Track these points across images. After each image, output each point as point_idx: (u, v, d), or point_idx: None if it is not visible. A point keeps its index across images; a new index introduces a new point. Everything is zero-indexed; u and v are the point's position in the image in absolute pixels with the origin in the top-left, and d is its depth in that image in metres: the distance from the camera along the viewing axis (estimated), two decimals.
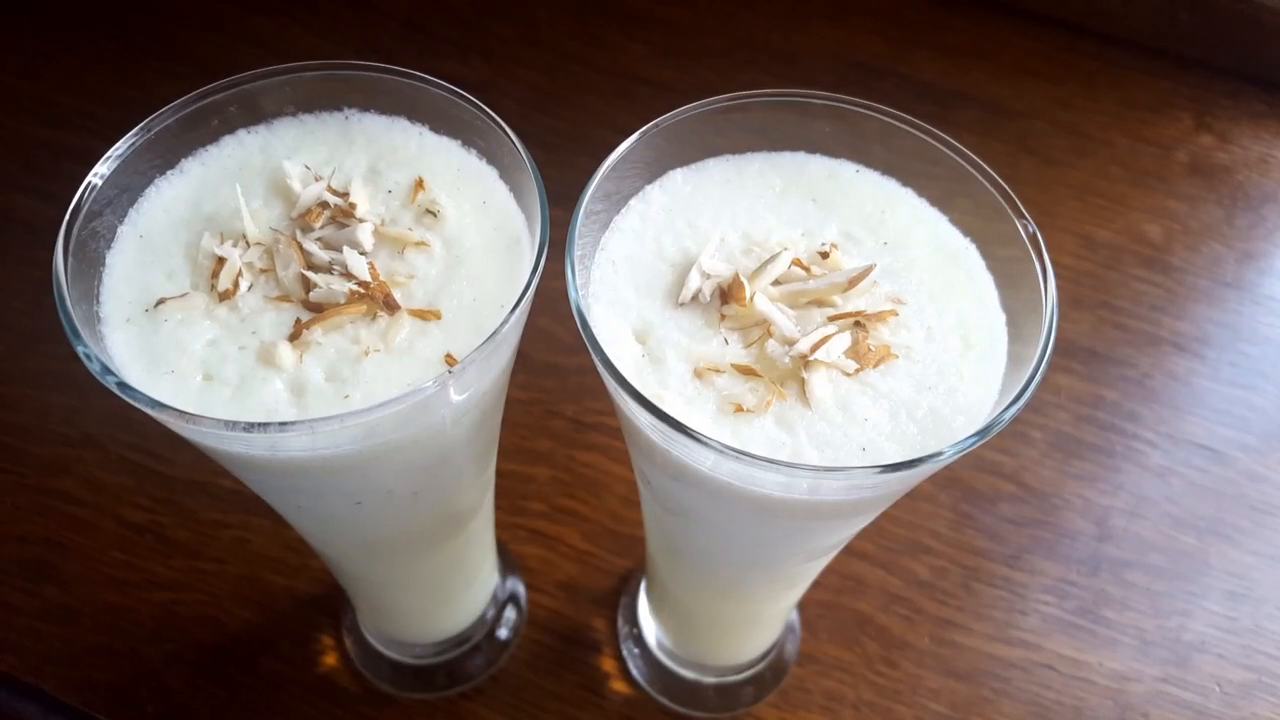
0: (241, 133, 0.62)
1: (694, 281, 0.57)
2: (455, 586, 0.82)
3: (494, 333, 0.52)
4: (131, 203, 0.59)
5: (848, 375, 0.54)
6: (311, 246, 0.57)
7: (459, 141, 0.62)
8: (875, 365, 0.55)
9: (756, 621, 0.81)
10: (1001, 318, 0.58)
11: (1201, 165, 1.23)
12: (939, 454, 0.49)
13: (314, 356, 0.54)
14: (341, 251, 0.56)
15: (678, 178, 0.62)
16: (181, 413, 0.48)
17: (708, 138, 0.61)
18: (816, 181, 0.62)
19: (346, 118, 0.62)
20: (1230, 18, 1.24)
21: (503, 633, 0.93)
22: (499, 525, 0.98)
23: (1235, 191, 1.22)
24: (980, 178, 0.58)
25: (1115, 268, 1.15)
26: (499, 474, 1.03)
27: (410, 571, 0.75)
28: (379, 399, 0.51)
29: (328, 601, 0.96)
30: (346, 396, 0.52)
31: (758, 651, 0.89)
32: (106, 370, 0.49)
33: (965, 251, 0.60)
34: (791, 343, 0.54)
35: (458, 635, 0.90)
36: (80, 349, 0.50)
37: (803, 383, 0.54)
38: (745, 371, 0.54)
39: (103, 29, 1.36)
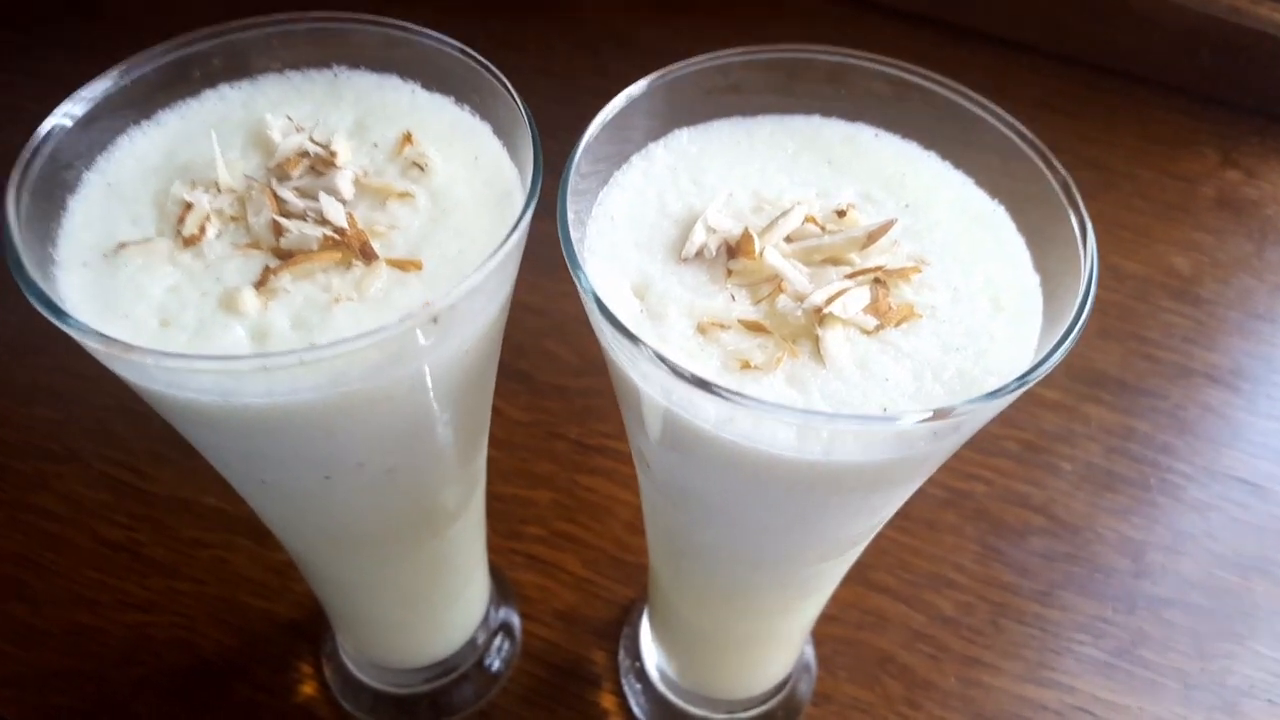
0: (224, 87, 0.58)
1: (699, 236, 0.52)
2: (439, 600, 0.75)
3: (482, 264, 0.46)
4: (101, 150, 0.55)
5: (867, 333, 0.49)
6: (287, 194, 0.52)
7: (452, 98, 0.58)
8: (897, 324, 0.49)
9: (767, 642, 0.74)
10: (1035, 279, 0.52)
11: (1229, 200, 1.19)
12: (979, 399, 0.43)
13: (280, 304, 0.49)
14: (318, 200, 0.52)
15: (683, 137, 0.57)
16: (126, 345, 0.43)
17: (716, 97, 0.57)
18: (832, 144, 0.57)
19: (335, 75, 0.58)
20: (1254, 57, 1.21)
21: (494, 664, 0.86)
22: (493, 550, 0.91)
23: (1265, 226, 1.17)
24: (1011, 134, 0.53)
25: (1144, 299, 1.10)
26: (496, 497, 0.97)
27: (388, 576, 0.69)
28: (358, 360, 0.46)
29: (308, 627, 0.89)
30: (320, 359, 0.47)
31: (768, 684, 0.81)
32: (44, 299, 0.44)
33: (994, 214, 0.55)
34: (805, 298, 0.49)
35: (444, 661, 0.83)
36: (19, 277, 0.45)
37: (816, 340, 0.48)
38: (753, 328, 0.49)
39: None
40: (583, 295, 0.47)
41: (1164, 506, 0.97)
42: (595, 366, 1.04)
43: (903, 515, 0.98)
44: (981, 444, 1.00)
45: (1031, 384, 0.45)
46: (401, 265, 0.50)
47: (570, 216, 0.50)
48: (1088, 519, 0.96)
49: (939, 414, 0.43)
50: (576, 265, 0.47)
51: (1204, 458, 1.00)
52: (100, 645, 0.87)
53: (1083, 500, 0.98)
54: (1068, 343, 0.45)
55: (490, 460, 0.99)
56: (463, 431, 0.59)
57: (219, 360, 0.44)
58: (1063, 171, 0.51)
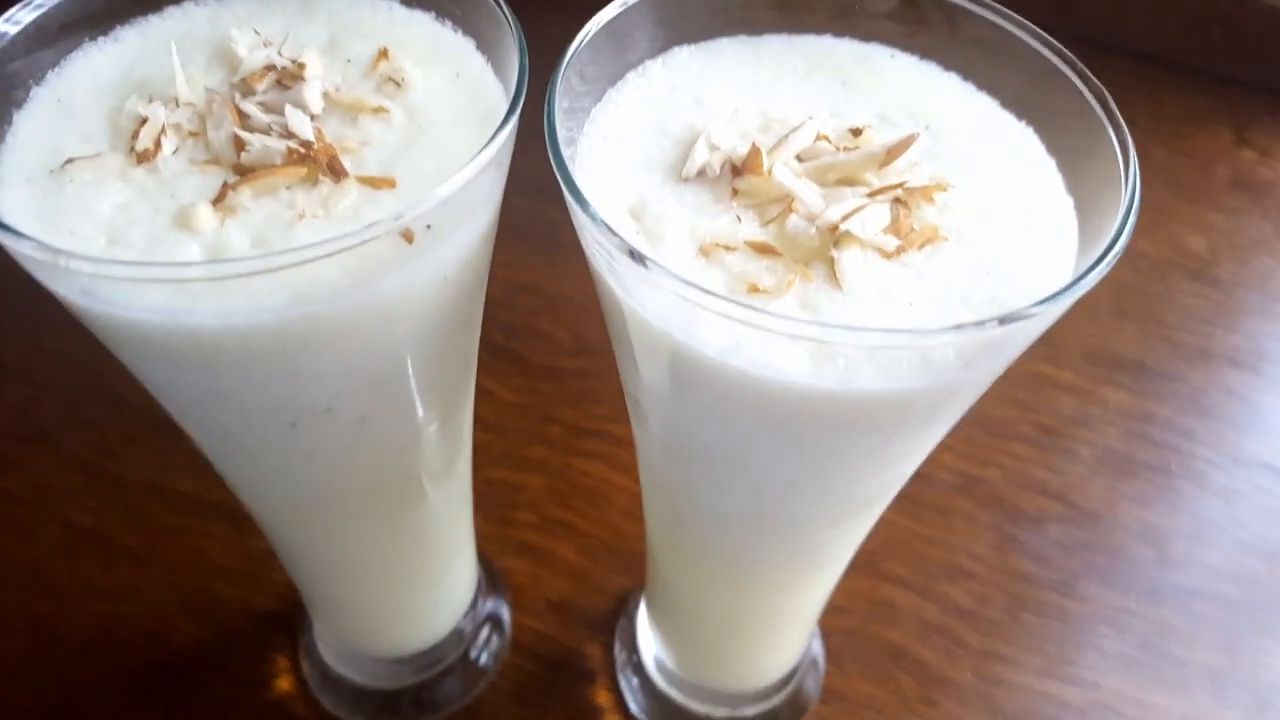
0: (189, 4, 0.53)
1: (700, 154, 0.47)
2: (420, 581, 0.69)
3: (460, 171, 0.41)
4: (53, 67, 0.50)
5: (887, 256, 0.44)
6: (250, 108, 0.47)
7: (432, 13, 0.53)
8: (920, 247, 0.44)
9: (772, 626, 0.68)
10: (1069, 201, 0.47)
11: (1244, 180, 1.14)
12: (1021, 313, 0.38)
13: (239, 221, 0.44)
14: (284, 114, 0.47)
15: (684, 54, 0.52)
16: (66, 253, 0.38)
17: (719, 13, 0.52)
18: (846, 65, 0.52)
19: None
20: (1266, 35, 1.17)
21: (481, 656, 0.80)
22: (483, 537, 0.86)
23: None
24: (1040, 47, 0.48)
25: (1161, 280, 1.05)
26: (485, 482, 0.92)
27: (365, 551, 0.63)
28: (322, 280, 0.41)
29: (286, 618, 0.83)
30: (280, 274, 0.42)
31: (773, 675, 0.76)
32: None
33: (1021, 135, 0.50)
34: (818, 216, 0.44)
35: (427, 652, 0.77)
36: None
37: (831, 262, 0.43)
38: (762, 249, 0.44)
39: None
40: (572, 211, 0.42)
41: (1187, 493, 0.92)
42: (591, 347, 0.99)
43: (913, 501, 0.93)
44: (995, 428, 0.95)
45: (1076, 297, 0.40)
46: (373, 183, 0.45)
47: (560, 134, 0.45)
48: (1108, 506, 0.91)
49: (983, 324, 0.37)
50: (565, 172, 0.42)
51: (1227, 443, 0.95)
52: (64, 637, 0.81)
53: (1102, 486, 0.92)
54: (1113, 253, 0.40)
55: (480, 444, 0.93)
56: (443, 382, 0.54)
57: (165, 268, 0.39)
58: (1098, 83, 0.47)
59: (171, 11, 0.53)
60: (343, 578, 0.67)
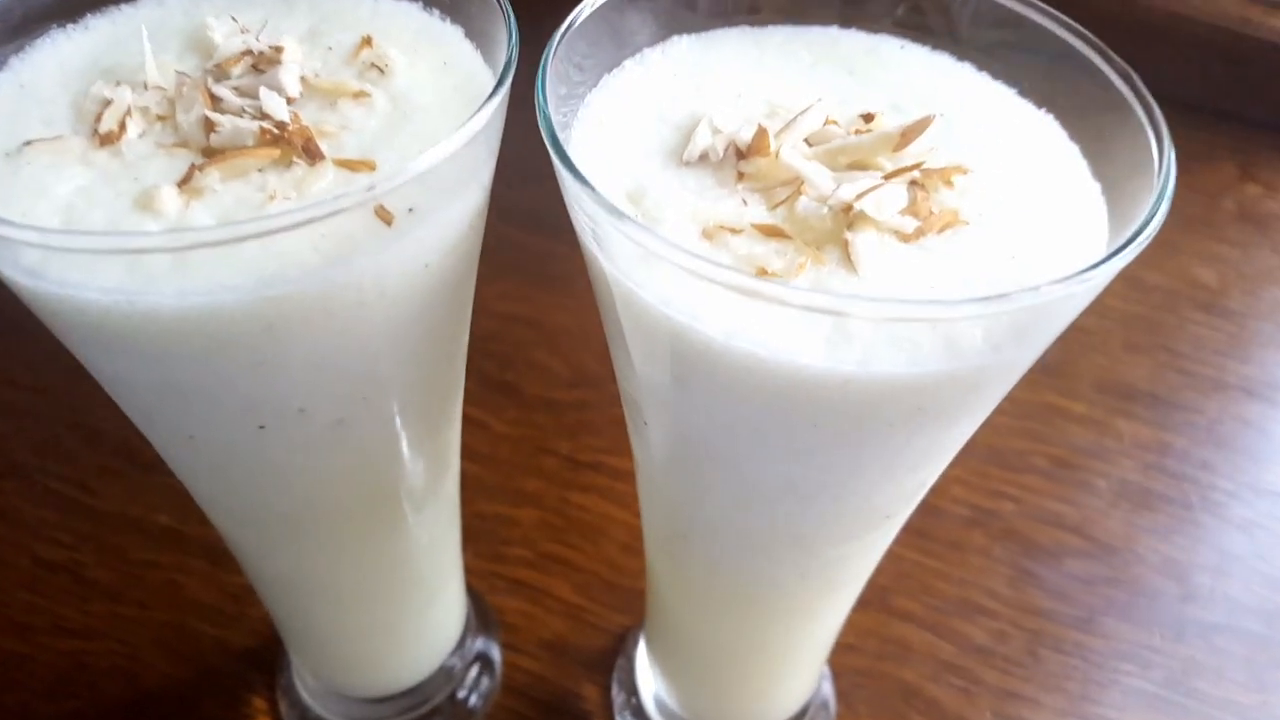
0: None
1: (703, 137, 0.43)
2: (403, 613, 0.65)
3: (444, 142, 0.38)
4: (17, 52, 0.47)
5: (905, 238, 0.40)
6: (223, 92, 0.44)
7: (419, 3, 0.50)
8: (940, 231, 0.41)
9: (780, 659, 0.63)
10: (1095, 187, 0.44)
11: (1251, 213, 1.11)
12: (1063, 283, 0.34)
13: (205, 204, 0.40)
14: (258, 98, 0.43)
15: (684, 44, 0.49)
16: (6, 222, 0.34)
17: (720, 1, 0.49)
18: (854, 56, 0.49)
19: None
20: (1266, 69, 1.15)
21: (470, 698, 0.75)
22: (474, 573, 0.81)
23: None
24: (1059, 30, 0.45)
25: (1171, 311, 1.02)
26: (477, 516, 0.87)
27: (344, 578, 0.59)
28: (290, 257, 0.38)
29: (264, 656, 0.78)
30: (240, 244, 0.38)
31: (781, 715, 0.70)
32: None
33: (1041, 122, 0.47)
34: (830, 197, 0.40)
35: (412, 691, 0.72)
36: None
37: (845, 245, 0.39)
38: (770, 232, 0.40)
39: None
40: (563, 185, 0.39)
41: (1207, 526, 0.88)
42: (588, 379, 0.96)
43: (924, 534, 0.88)
44: (1007, 459, 0.91)
45: (1116, 270, 0.36)
46: (351, 165, 0.42)
47: (554, 120, 0.42)
48: (1127, 539, 0.87)
49: (1018, 294, 0.34)
50: (554, 137, 0.38)
51: (1246, 474, 0.91)
52: (28, 675, 0.76)
53: (1120, 520, 0.88)
54: (1155, 222, 0.37)
55: (472, 477, 0.90)
56: (427, 387, 0.50)
57: (118, 237, 0.36)
58: (1121, 62, 0.44)
59: (146, 1, 0.50)
60: (321, 607, 0.62)
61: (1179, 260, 1.06)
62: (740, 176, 0.42)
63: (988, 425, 0.93)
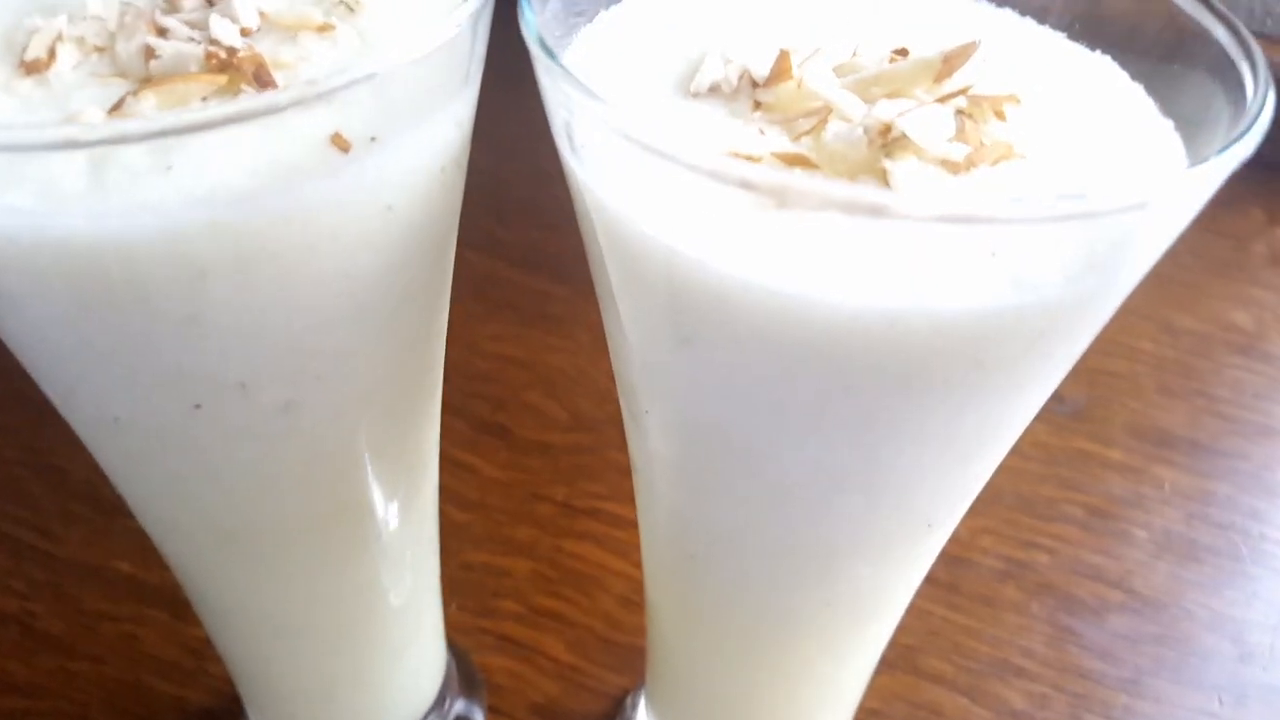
0: None
1: (713, 67, 0.37)
2: (373, 656, 0.56)
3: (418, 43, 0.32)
4: None
5: (953, 169, 0.34)
6: (171, 23, 0.38)
7: None
8: (994, 163, 0.34)
9: (801, 710, 0.54)
10: (1167, 124, 0.38)
11: None
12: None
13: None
14: (209, 29, 0.38)
15: None
16: None
17: None
18: (878, 3, 0.44)
19: None
20: None
21: None
22: (458, 629, 0.73)
23: None
24: None
25: (1206, 355, 0.95)
26: (464, 567, 0.79)
27: (300, 607, 0.50)
28: (222, 178, 0.31)
29: (223, 718, 0.69)
30: (169, 168, 0.32)
31: None
32: None
33: (1097, 64, 0.41)
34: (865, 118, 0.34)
35: None
36: None
37: (884, 174, 0.33)
38: (794, 161, 0.34)
39: None
40: (540, 76, 0.33)
41: (1261, 579, 0.79)
42: (586, 422, 0.88)
43: (953, 589, 0.79)
44: (1039, 508, 0.83)
45: (1239, 160, 0.30)
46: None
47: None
48: (1173, 594, 0.78)
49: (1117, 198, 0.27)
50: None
51: None
52: None
53: (1165, 573, 0.79)
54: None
55: (460, 525, 0.82)
56: (394, 370, 0.43)
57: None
58: None
59: None
60: (277, 651, 0.53)
61: (1211, 304, 0.99)
62: (757, 106, 0.36)
63: (1016, 471, 0.86)
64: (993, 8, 0.43)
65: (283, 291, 0.35)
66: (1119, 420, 0.89)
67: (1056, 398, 0.93)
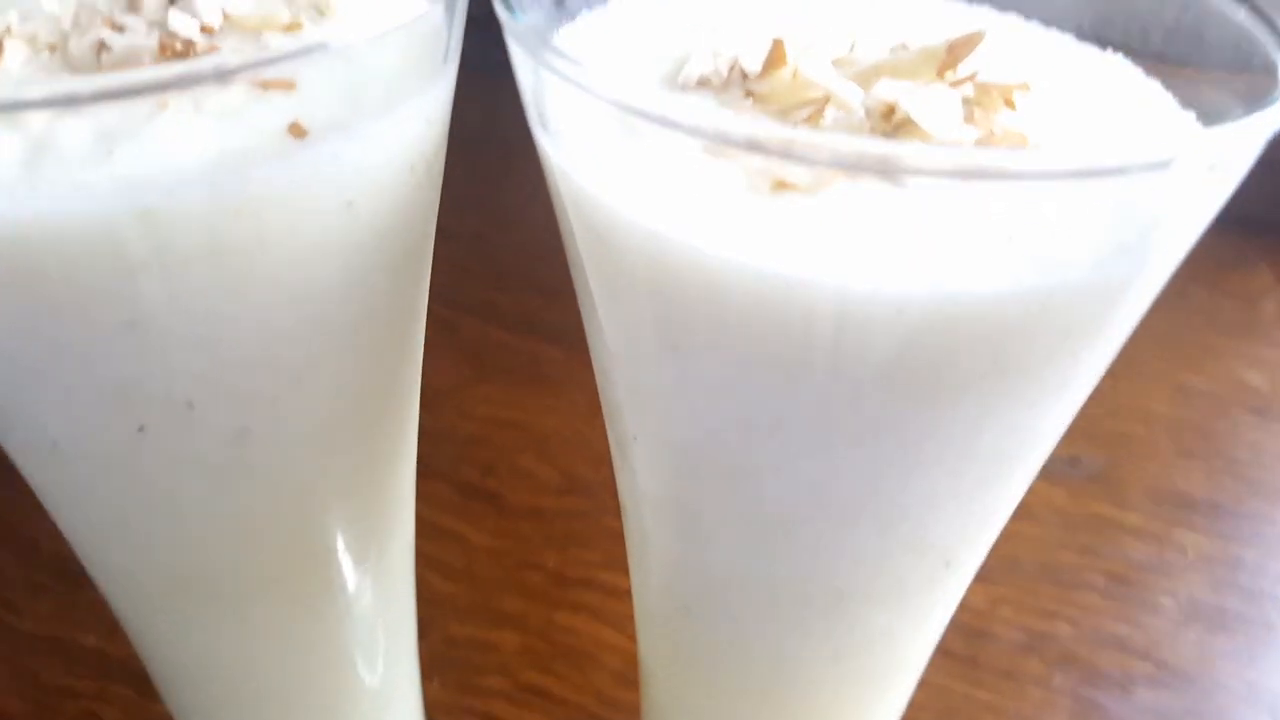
0: None
1: (702, 60, 0.35)
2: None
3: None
4: None
5: None
6: (129, 20, 0.36)
7: None
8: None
9: None
10: (1189, 115, 0.35)
11: None
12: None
13: (82, 115, 0.31)
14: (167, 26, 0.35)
15: None
16: None
17: None
18: (878, 6, 0.42)
19: None
20: None
21: None
22: (440, 709, 0.68)
23: None
24: None
25: (1222, 416, 0.91)
26: (448, 641, 0.74)
27: (257, 671, 0.45)
28: (162, 163, 0.29)
29: None
30: (110, 153, 0.29)
31: None
32: None
33: (1109, 62, 0.38)
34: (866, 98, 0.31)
35: None
36: None
37: None
38: None
39: None
40: (508, 38, 0.30)
41: None
42: (581, 486, 0.84)
43: (972, 663, 0.74)
44: (1060, 576, 0.78)
45: None
46: (266, 84, 0.33)
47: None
48: (1204, 665, 0.72)
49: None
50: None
51: None
52: None
53: (1193, 642, 0.74)
54: None
55: (444, 596, 0.77)
56: (359, 397, 0.39)
57: None
58: None
59: None
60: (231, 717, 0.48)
61: (1224, 365, 0.96)
62: (749, 96, 0.33)
63: (1033, 538, 0.81)
64: (995, 12, 0.41)
65: (229, 295, 0.32)
66: (1137, 484, 0.85)
67: (1072, 460, 0.90)
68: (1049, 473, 0.86)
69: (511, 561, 0.79)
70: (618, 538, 0.48)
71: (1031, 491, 0.38)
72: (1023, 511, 0.39)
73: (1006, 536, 0.40)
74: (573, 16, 0.38)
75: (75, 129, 0.31)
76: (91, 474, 0.36)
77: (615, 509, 0.48)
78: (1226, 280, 1.05)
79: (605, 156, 0.29)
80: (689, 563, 0.41)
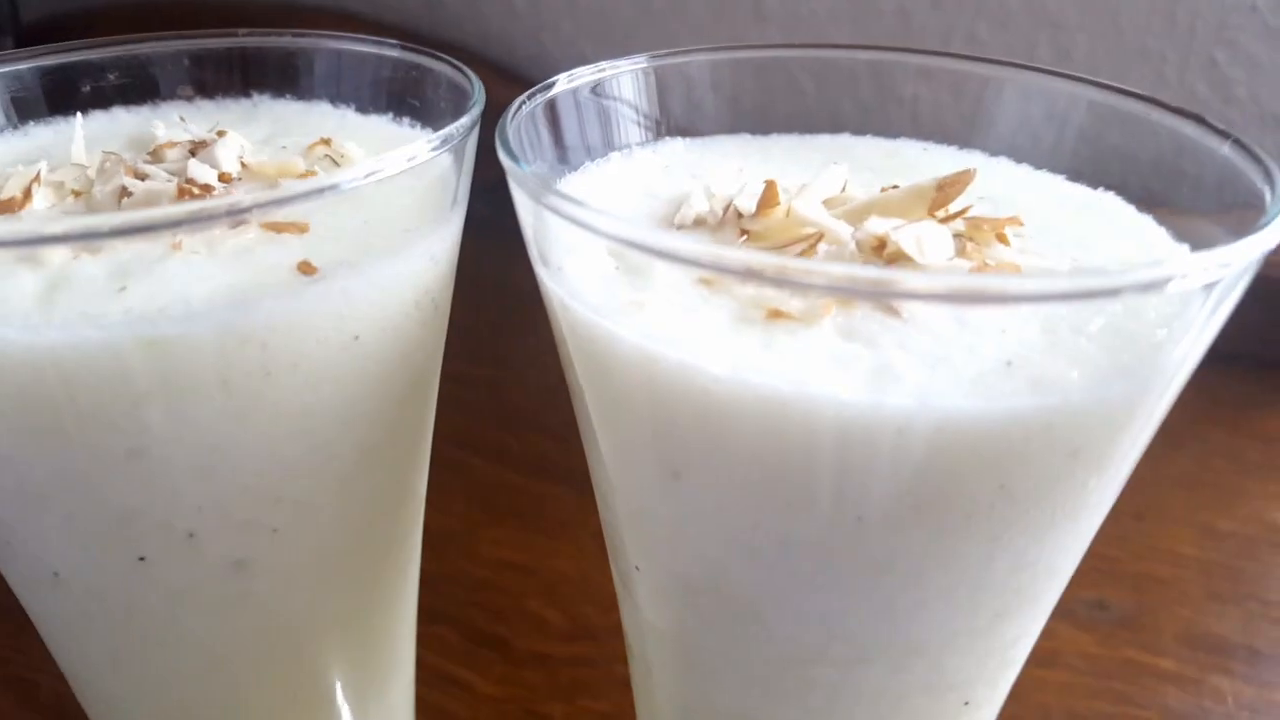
0: (118, 109, 0.46)
1: (697, 202, 0.36)
2: None
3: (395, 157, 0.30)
4: None
5: None
6: (150, 168, 0.38)
7: (389, 115, 0.45)
8: None
9: None
10: (1183, 247, 0.35)
11: None
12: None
13: (99, 257, 0.32)
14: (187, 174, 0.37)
15: (678, 146, 0.43)
16: None
17: (721, 105, 0.44)
18: (872, 158, 0.43)
19: (255, 104, 0.46)
20: None
21: None
22: None
23: None
24: (1104, 95, 0.39)
25: (1252, 557, 0.88)
26: None
27: None
28: (173, 297, 0.30)
29: None
30: (123, 289, 0.30)
31: None
32: None
33: (1102, 200, 0.39)
34: (857, 231, 0.32)
35: None
36: None
37: None
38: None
39: None
40: (511, 182, 0.31)
41: None
42: (588, 631, 0.82)
43: None
44: None
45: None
46: (278, 227, 0.34)
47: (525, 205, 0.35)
48: None
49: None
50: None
51: None
52: None
53: None
54: None
55: None
56: (361, 533, 0.39)
57: None
58: (1191, 111, 0.37)
59: (97, 115, 0.45)
60: None
61: (1250, 505, 0.94)
62: (744, 234, 0.34)
63: (1064, 686, 0.78)
64: (986, 157, 0.43)
65: (234, 424, 0.32)
66: (1169, 628, 0.82)
67: (1100, 604, 0.87)
68: (1077, 617, 0.83)
69: (517, 710, 0.76)
70: (626, 687, 0.47)
71: (1059, 637, 0.36)
72: (1052, 658, 0.37)
73: (1037, 684, 0.39)
74: (575, 168, 0.40)
75: (91, 265, 0.32)
76: (91, 606, 0.36)
77: (624, 655, 0.47)
78: (1248, 422, 1.04)
79: (603, 289, 0.30)
80: (695, 705, 0.39)
